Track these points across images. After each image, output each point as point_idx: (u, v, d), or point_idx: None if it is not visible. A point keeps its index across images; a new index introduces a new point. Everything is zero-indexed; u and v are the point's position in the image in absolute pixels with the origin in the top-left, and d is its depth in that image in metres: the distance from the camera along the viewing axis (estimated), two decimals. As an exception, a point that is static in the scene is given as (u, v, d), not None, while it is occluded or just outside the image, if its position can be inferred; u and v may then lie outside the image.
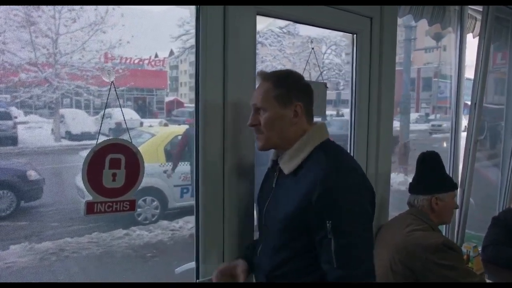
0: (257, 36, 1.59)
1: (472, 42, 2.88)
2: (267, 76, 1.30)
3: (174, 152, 5.69)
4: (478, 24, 2.77)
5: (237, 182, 1.53)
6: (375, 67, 1.96)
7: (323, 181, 1.15)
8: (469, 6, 2.68)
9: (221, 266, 1.43)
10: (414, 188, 1.89)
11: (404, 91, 8.36)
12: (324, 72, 15.84)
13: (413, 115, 18.76)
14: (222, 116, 1.48)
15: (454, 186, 1.91)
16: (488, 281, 2.02)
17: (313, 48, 2.18)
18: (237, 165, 1.53)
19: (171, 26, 12.48)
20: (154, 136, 6.04)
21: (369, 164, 2.00)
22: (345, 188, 1.16)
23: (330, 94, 15.94)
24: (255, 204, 1.52)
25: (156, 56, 12.61)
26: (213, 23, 1.44)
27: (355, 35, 1.93)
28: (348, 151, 1.96)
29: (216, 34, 1.45)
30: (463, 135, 2.73)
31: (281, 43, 15.83)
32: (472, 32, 2.88)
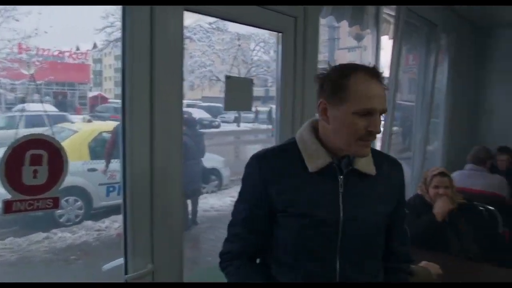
0: (186, 31, 1.60)
1: (389, 44, 3.14)
2: (382, 77, 1.19)
3: (105, 150, 5.46)
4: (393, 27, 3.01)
5: (165, 178, 1.53)
6: (300, 65, 2.06)
7: (400, 169, 1.34)
8: (384, 11, 2.90)
9: None
10: None
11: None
12: (253, 68, 16.05)
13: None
14: (149, 112, 1.46)
15: None
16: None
17: (239, 45, 2.23)
18: (165, 162, 1.52)
19: (94, 17, 11.89)
20: (76, 133, 5.74)
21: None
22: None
23: (259, 91, 16.19)
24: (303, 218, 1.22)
25: (78, 48, 11.94)
26: (140, 18, 1.42)
27: (280, 33, 2.01)
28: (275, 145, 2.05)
29: (143, 29, 1.43)
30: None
31: (210, 39, 15.73)
32: (388, 34, 3.13)
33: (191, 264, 4.48)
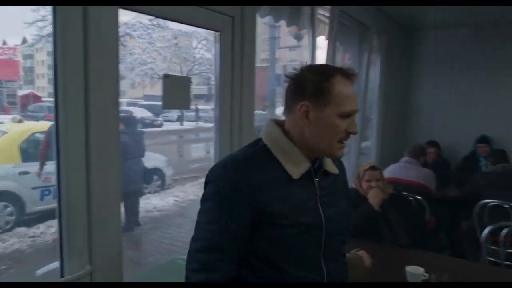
0: (125, 27, 1.57)
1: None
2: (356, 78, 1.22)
3: (39, 151, 5.16)
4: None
5: (102, 179, 1.50)
6: (238, 63, 2.10)
7: (344, 166, 1.41)
8: (319, 12, 3.01)
9: None
10: None
11: (270, 87, 8.89)
12: (196, 66, 15.89)
13: (281, 109, 20.11)
14: (84, 111, 1.43)
15: None
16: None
17: (176, 44, 2.23)
18: (102, 163, 1.49)
19: (23, 10, 11.15)
20: (5, 134, 5.38)
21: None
22: None
23: (202, 89, 16.07)
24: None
25: (5, 43, 11.14)
26: (72, 17, 1.38)
27: (218, 32, 2.04)
28: (214, 142, 2.09)
29: (75, 27, 1.39)
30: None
31: (150, 36, 15.34)
32: (325, 34, 3.26)
33: (133, 265, 4.39)
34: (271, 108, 10.07)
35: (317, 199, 1.22)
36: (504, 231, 2.78)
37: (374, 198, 2.57)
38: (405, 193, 3.35)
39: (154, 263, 4.32)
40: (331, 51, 2.94)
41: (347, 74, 1.16)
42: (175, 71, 15.49)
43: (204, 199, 1.19)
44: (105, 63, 1.48)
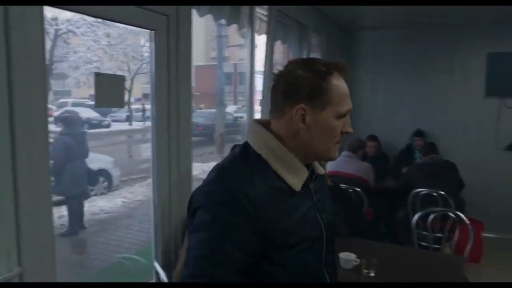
0: (67, 24, 1.54)
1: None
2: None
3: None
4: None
5: (31, 181, 1.47)
6: (173, 62, 2.10)
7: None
8: (258, 11, 3.08)
9: None
10: None
11: (218, 85, 8.91)
12: (145, 65, 15.56)
13: (232, 108, 20.17)
14: (8, 113, 1.38)
15: None
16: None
17: (109, 42, 2.21)
18: (30, 165, 1.46)
19: None
20: None
21: (171, 154, 2.14)
22: None
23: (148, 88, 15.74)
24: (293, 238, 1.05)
25: None
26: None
27: (153, 31, 2.04)
28: (151, 143, 2.10)
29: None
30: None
31: (95, 33, 14.84)
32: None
33: (79, 269, 4.28)
34: (220, 107, 10.13)
35: (314, 207, 1.11)
36: (431, 216, 3.00)
37: None
38: (345, 185, 3.53)
39: (100, 265, 4.24)
40: (269, 48, 3.03)
41: (342, 70, 1.06)
42: (123, 70, 15.08)
43: (196, 229, 0.98)
44: (30, 64, 1.44)
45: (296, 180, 1.05)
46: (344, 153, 3.97)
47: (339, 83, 1.05)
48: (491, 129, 4.79)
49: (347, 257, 2.14)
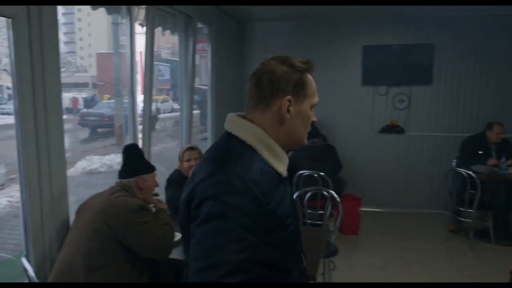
0: None
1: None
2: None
3: None
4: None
5: None
6: (37, 53, 1.99)
7: None
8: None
9: None
10: (123, 173, 2.20)
11: (116, 74, 8.53)
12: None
13: (140, 97, 19.42)
14: None
15: (153, 168, 2.29)
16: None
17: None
18: None
19: None
20: None
21: (40, 151, 2.06)
22: None
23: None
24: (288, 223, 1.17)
25: None
26: None
27: (10, 19, 1.92)
28: (16, 142, 1.99)
29: None
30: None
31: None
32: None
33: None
34: (119, 97, 9.69)
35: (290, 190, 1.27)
36: (308, 195, 3.29)
37: None
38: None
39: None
40: (149, 37, 3.03)
41: (312, 67, 1.21)
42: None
43: (206, 220, 1.01)
44: None
45: (283, 167, 1.17)
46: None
47: (311, 79, 1.20)
48: (367, 114, 5.31)
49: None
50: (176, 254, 2.08)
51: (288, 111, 1.14)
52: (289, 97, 1.13)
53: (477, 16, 4.85)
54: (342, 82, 5.32)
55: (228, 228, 0.99)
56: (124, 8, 2.96)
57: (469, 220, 4.12)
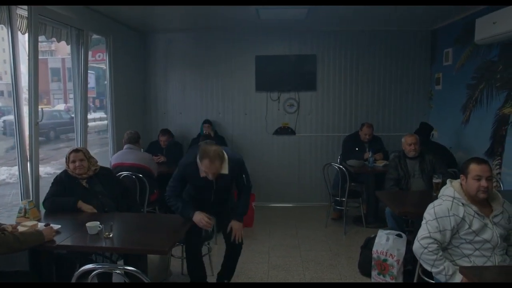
0: None
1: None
2: None
3: None
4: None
5: None
6: None
7: None
8: (19, 7, 3.19)
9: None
10: None
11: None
12: None
13: (62, 106, 18.61)
14: None
15: None
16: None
17: None
18: None
19: None
20: None
21: None
22: None
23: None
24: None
25: None
26: None
27: None
28: None
29: None
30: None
31: None
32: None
33: None
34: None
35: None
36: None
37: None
38: (129, 173, 3.95)
39: None
40: (32, 46, 3.22)
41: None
42: None
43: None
44: None
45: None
46: (126, 146, 4.33)
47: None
48: (262, 117, 5.82)
49: (92, 225, 2.55)
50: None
51: None
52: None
53: (354, 31, 5.57)
54: (239, 88, 5.79)
55: (174, 175, 2.99)
56: (5, 15, 3.09)
57: (345, 208, 4.74)
